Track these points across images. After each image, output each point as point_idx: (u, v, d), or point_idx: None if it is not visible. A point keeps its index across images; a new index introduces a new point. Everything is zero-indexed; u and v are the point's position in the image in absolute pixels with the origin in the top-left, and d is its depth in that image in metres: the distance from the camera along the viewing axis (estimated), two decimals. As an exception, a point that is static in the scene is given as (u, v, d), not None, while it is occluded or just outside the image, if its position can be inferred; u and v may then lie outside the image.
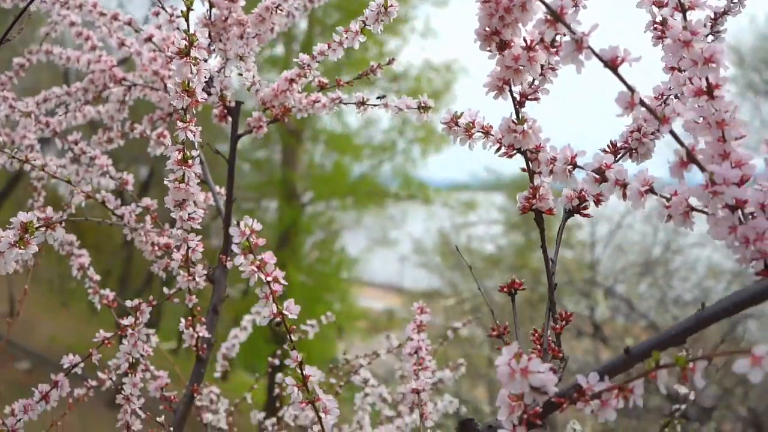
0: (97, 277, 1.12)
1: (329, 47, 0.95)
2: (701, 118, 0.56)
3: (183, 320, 0.99)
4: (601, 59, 0.52)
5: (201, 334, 1.00)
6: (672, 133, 0.53)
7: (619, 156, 0.71)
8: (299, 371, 0.67)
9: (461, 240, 10.15)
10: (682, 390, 1.11)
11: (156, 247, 1.05)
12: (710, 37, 0.74)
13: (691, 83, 0.58)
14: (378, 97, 0.96)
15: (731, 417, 6.06)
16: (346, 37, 0.94)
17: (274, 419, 1.38)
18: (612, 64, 0.52)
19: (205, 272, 0.94)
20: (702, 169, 0.53)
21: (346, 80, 1.02)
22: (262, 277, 0.65)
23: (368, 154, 13.87)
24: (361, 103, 0.99)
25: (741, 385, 6.18)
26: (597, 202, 0.70)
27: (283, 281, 0.66)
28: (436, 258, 10.29)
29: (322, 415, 0.66)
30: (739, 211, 0.55)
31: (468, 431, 0.60)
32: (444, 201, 12.04)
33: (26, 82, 1.65)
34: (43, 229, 0.67)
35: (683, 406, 1.09)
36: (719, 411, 6.09)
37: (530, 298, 7.55)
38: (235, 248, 0.64)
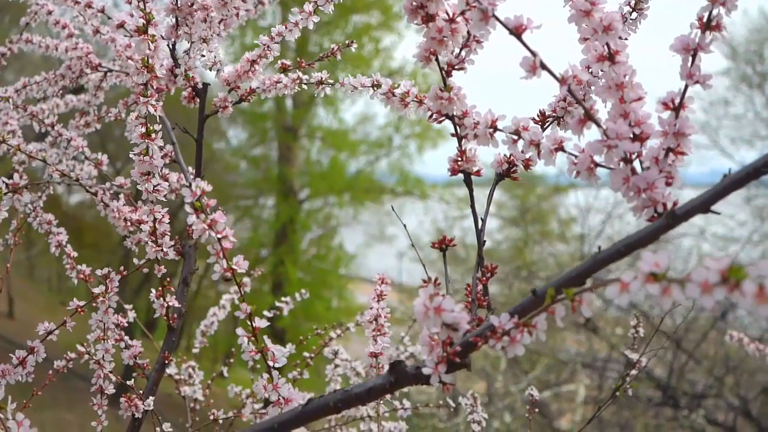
0: (75, 254, 1.18)
1: (286, 28, 1.01)
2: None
3: (153, 291, 1.04)
4: (506, 27, 0.58)
5: (171, 304, 1.05)
6: (570, 92, 0.58)
7: (547, 123, 0.77)
8: (249, 323, 0.73)
9: (456, 234, 10.19)
10: (633, 355, 1.17)
11: (128, 223, 1.11)
12: (634, 14, 0.79)
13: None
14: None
15: (723, 406, 6.13)
16: (301, 18, 1.00)
17: (249, 391, 1.43)
18: (516, 32, 0.58)
19: (173, 243, 0.99)
20: (598, 125, 0.59)
21: (308, 62, 1.08)
22: (213, 234, 0.70)
23: (365, 151, 13.90)
24: (320, 83, 1.04)
25: (731, 374, 6.25)
26: (526, 167, 0.75)
27: (233, 239, 0.71)
28: (432, 253, 10.34)
29: (270, 362, 0.72)
30: (637, 164, 0.60)
31: (397, 371, 0.65)
32: (440, 196, 12.10)
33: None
34: (10, 194, 0.72)
35: (635, 372, 1.15)
36: (712, 400, 6.16)
37: (525, 292, 7.62)
38: (187, 208, 0.69)
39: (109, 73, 1.28)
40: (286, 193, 12.20)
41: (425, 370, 0.62)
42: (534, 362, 6.12)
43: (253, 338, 0.72)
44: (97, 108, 1.31)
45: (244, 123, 12.28)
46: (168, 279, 1.03)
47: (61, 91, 1.28)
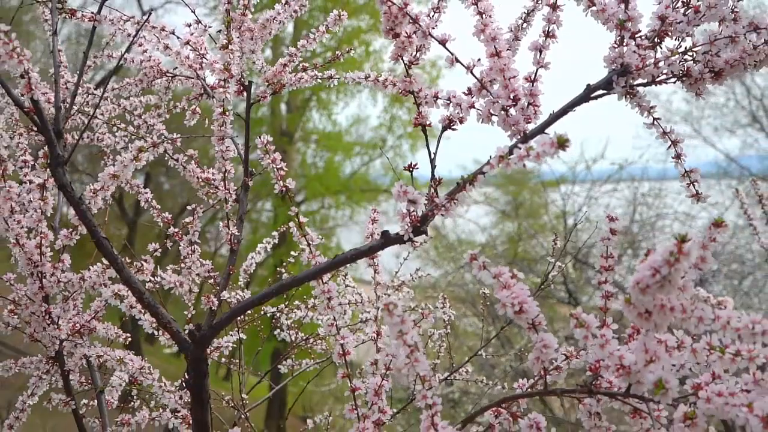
0: (158, 207, 1.66)
1: (308, 41, 1.50)
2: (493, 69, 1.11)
3: (221, 223, 1.53)
4: (437, 40, 1.07)
5: (233, 232, 1.54)
6: (471, 74, 1.07)
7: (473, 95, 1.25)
8: (297, 220, 1.22)
9: (447, 222, 10.65)
10: (551, 260, 1.66)
11: (199, 179, 1.60)
12: (525, 24, 1.28)
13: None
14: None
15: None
16: (317, 36, 1.49)
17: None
18: (442, 42, 1.07)
19: (236, 188, 1.48)
20: (488, 92, 1.08)
21: (321, 63, 1.58)
22: (274, 166, 1.19)
23: (359, 152, 14.33)
24: (330, 77, 1.54)
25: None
26: (461, 122, 1.24)
27: (285, 168, 1.20)
28: (431, 250, 10.84)
29: (311, 241, 1.21)
30: (512, 110, 1.09)
31: (386, 236, 1.14)
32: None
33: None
34: (151, 148, 1.21)
35: (554, 273, 1.63)
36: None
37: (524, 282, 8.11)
38: (259, 150, 1.18)
39: (174, 78, 1.77)
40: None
41: (401, 232, 1.10)
42: (522, 335, 6.62)
43: (300, 228, 1.21)
44: (166, 103, 1.80)
45: (240, 129, 12.69)
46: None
47: (141, 91, 1.77)
